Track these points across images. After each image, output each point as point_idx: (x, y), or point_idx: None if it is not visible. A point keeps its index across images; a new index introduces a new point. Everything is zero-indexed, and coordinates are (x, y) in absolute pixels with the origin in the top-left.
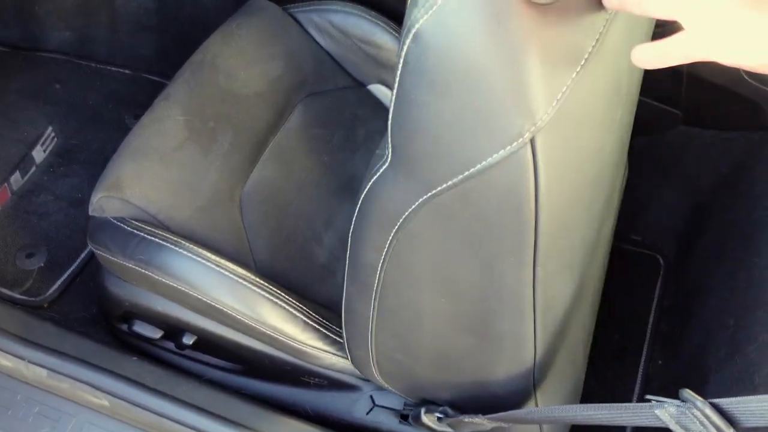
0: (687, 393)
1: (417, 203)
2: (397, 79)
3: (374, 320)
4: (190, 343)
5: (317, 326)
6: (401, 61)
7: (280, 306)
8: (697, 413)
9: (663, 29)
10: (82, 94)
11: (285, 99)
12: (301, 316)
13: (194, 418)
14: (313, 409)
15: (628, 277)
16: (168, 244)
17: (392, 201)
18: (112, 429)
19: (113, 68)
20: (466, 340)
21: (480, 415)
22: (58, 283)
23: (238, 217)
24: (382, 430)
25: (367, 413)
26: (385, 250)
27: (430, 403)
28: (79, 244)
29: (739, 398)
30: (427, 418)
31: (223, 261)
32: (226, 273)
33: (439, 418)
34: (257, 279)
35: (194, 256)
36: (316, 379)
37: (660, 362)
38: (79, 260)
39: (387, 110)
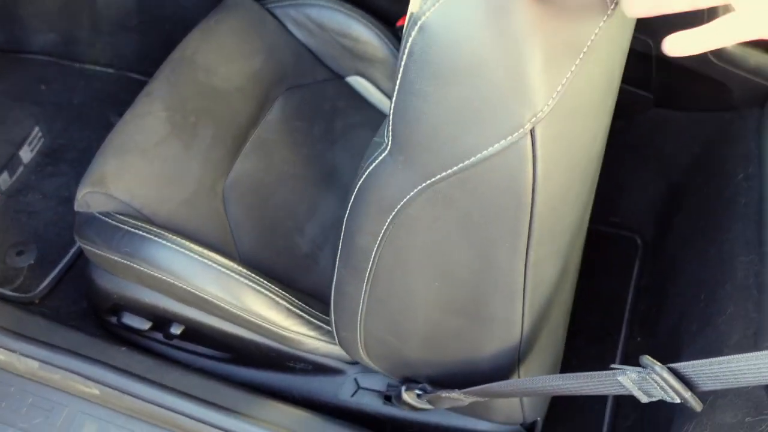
0: (647, 359)
1: (415, 190)
2: (401, 69)
3: (365, 303)
4: (178, 333)
5: (300, 312)
6: (405, 51)
7: (264, 294)
8: (656, 378)
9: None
10: (67, 94)
11: (265, 93)
12: (285, 303)
13: (183, 405)
14: (300, 393)
15: (607, 258)
16: (152, 237)
17: (390, 188)
18: (103, 417)
19: (97, 68)
20: (457, 322)
21: (456, 390)
22: (48, 279)
23: (222, 209)
24: (366, 412)
25: (352, 395)
26: (381, 235)
27: (410, 381)
28: (68, 241)
29: (694, 362)
30: (407, 396)
31: (206, 251)
32: (210, 263)
33: (418, 395)
34: (241, 268)
35: (178, 248)
36: (302, 365)
37: (639, 339)
38: (68, 257)
39: (366, 102)
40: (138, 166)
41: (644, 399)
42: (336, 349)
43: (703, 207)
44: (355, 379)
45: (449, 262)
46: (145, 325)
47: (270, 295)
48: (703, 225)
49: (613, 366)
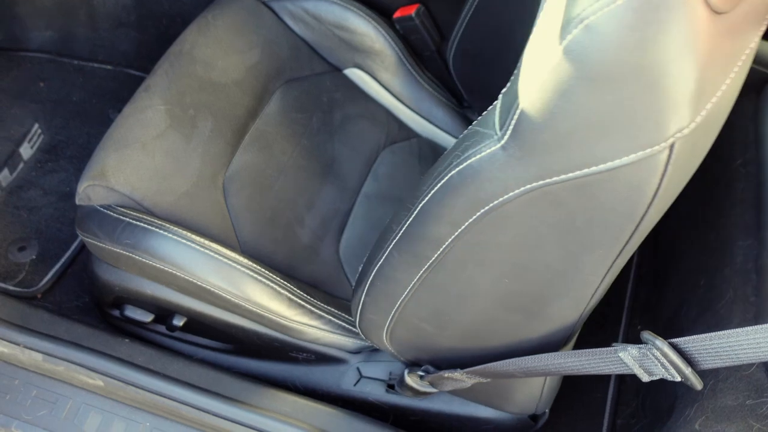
0: (648, 334)
1: (523, 188)
2: (551, 66)
3: (413, 290)
4: (180, 324)
5: (302, 302)
6: (562, 47)
7: (265, 284)
8: (657, 353)
9: None
10: (66, 91)
11: (263, 86)
12: (286, 293)
13: (187, 395)
14: (303, 383)
15: None
16: (153, 228)
17: (493, 182)
18: (107, 408)
19: (95, 65)
20: (511, 318)
21: (459, 370)
22: (50, 274)
23: (222, 201)
24: (369, 400)
25: (355, 384)
26: (463, 227)
27: (414, 365)
28: (70, 237)
29: (694, 336)
30: (410, 378)
31: (208, 242)
32: (212, 253)
33: (421, 376)
34: (242, 259)
35: (179, 239)
36: (304, 355)
37: (639, 327)
38: (69, 252)
39: (363, 93)
40: (138, 159)
41: (645, 377)
42: (338, 339)
43: (701, 193)
44: (358, 369)
45: (530, 261)
46: (147, 317)
47: (271, 285)
48: (701, 211)
49: (614, 344)
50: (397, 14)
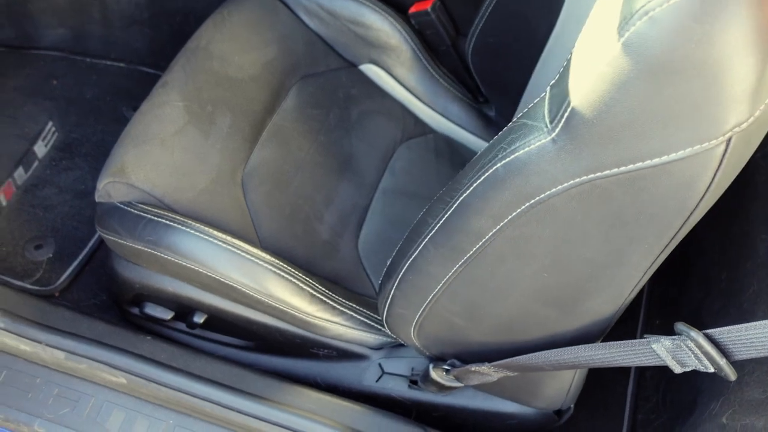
0: (682, 325)
1: (571, 182)
2: (609, 58)
3: (448, 284)
4: (201, 321)
5: (324, 298)
6: (622, 40)
7: (287, 280)
8: (691, 345)
9: None
10: (79, 88)
11: (279, 81)
12: (308, 289)
13: (210, 392)
14: (324, 380)
15: None
16: (175, 224)
17: (541, 175)
18: (130, 406)
19: (108, 62)
20: (547, 312)
21: (486, 363)
22: (68, 272)
23: (241, 197)
24: (392, 396)
25: (377, 381)
26: (506, 220)
27: (438, 359)
28: (86, 234)
29: (729, 327)
30: (435, 373)
31: (229, 238)
32: (234, 249)
33: (446, 371)
34: (264, 255)
35: (202, 235)
36: (326, 351)
37: (657, 322)
38: (86, 249)
39: (379, 89)
40: (157, 156)
41: (677, 369)
42: (360, 335)
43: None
44: (380, 365)
45: (572, 255)
46: (167, 314)
47: (294, 280)
48: (721, 204)
49: (646, 335)
50: (412, 9)
